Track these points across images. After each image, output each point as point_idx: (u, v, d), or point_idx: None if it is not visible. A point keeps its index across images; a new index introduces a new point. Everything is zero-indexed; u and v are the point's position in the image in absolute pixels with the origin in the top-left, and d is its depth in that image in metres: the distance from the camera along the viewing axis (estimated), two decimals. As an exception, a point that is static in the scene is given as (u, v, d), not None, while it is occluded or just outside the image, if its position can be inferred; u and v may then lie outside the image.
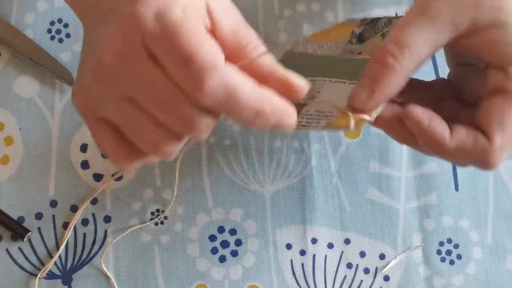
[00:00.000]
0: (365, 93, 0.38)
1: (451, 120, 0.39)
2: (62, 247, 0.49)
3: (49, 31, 0.53)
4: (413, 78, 0.41)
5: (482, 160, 0.38)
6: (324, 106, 0.41)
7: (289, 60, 0.45)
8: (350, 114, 0.39)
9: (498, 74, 0.38)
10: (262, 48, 0.35)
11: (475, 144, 0.38)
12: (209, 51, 0.32)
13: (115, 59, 0.33)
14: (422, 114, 0.37)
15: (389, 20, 0.44)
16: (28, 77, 0.52)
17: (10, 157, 0.51)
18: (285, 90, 0.35)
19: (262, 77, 0.34)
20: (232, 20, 0.35)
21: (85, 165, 0.51)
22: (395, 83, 0.37)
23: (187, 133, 0.34)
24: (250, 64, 0.34)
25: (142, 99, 0.33)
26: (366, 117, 0.38)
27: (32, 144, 0.51)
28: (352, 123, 0.38)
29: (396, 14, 0.45)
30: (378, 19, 0.44)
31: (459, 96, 0.42)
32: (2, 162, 0.51)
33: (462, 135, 0.38)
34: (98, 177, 0.51)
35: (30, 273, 0.49)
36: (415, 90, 0.42)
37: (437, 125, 0.38)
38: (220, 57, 0.32)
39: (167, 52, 0.32)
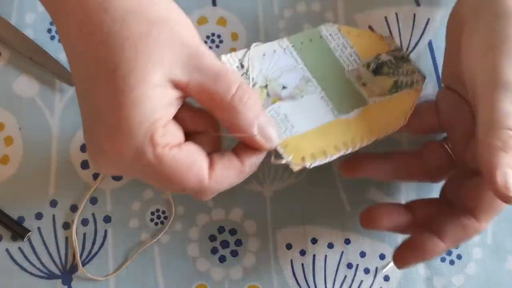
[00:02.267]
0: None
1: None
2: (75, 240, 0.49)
3: (49, 31, 0.53)
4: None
5: (474, 235, 0.42)
6: (294, 114, 0.42)
7: (310, 39, 0.44)
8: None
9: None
10: (240, 96, 0.36)
11: (465, 229, 0.42)
12: (194, 180, 0.36)
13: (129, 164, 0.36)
14: None
15: (413, 71, 0.44)
16: (28, 77, 0.52)
17: (10, 157, 0.51)
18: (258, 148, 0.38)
19: (239, 133, 0.37)
20: (199, 80, 0.36)
21: (85, 165, 0.51)
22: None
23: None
24: (227, 120, 0.37)
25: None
26: (305, 163, 0.40)
27: (32, 144, 0.51)
28: (289, 159, 0.40)
29: (421, 72, 0.45)
30: (406, 59, 0.44)
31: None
32: (2, 162, 0.51)
33: (450, 230, 0.42)
34: (98, 177, 0.51)
35: (30, 273, 0.49)
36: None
37: None
38: (205, 175, 0.37)
39: (162, 185, 0.38)
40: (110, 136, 0.35)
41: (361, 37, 0.46)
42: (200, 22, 0.54)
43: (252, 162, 0.38)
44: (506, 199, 0.36)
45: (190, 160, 0.36)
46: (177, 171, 0.36)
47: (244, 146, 0.38)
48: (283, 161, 0.39)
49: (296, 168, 0.39)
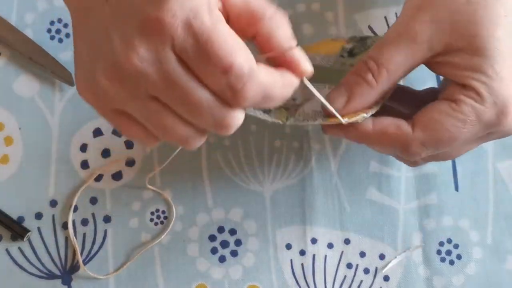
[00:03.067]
0: (340, 101, 0.40)
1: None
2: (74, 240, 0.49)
3: (49, 31, 0.53)
4: (404, 86, 0.45)
5: (402, 144, 0.40)
6: (319, 105, 0.42)
7: None
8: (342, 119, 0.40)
9: (455, 88, 0.39)
10: (277, 17, 0.35)
11: (398, 129, 0.40)
12: (245, 58, 0.32)
13: (140, 66, 0.32)
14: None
15: (378, 40, 0.45)
16: (28, 77, 0.52)
17: (10, 157, 0.51)
18: (294, 70, 0.35)
19: (277, 54, 0.35)
20: None
21: (85, 165, 0.51)
22: (370, 97, 0.40)
23: (219, 131, 0.35)
24: (266, 37, 0.35)
25: (172, 103, 0.34)
26: (362, 115, 0.40)
27: (32, 144, 0.51)
28: (346, 119, 0.40)
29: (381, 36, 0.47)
30: (366, 37, 0.46)
31: None
32: (2, 162, 0.51)
33: (386, 122, 0.41)
34: (98, 176, 0.51)
35: (30, 273, 0.49)
36: (403, 96, 0.44)
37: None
38: (253, 60, 0.33)
39: (204, 63, 0.32)
40: (151, 11, 0.31)
41: (319, 46, 0.47)
42: (200, 22, 0.54)
43: (292, 80, 0.35)
44: None
45: (239, 40, 0.33)
46: (229, 41, 0.32)
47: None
48: (344, 122, 0.40)
49: (355, 119, 0.40)
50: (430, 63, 0.40)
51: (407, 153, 0.41)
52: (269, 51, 0.35)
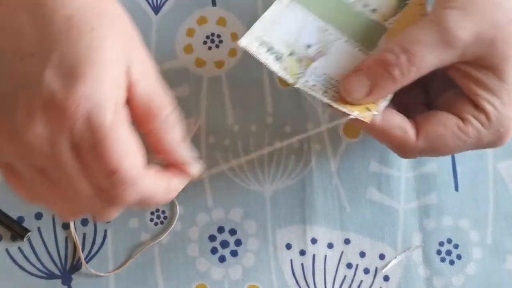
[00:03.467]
0: (361, 92, 0.39)
1: (413, 105, 0.43)
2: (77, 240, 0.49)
3: (49, 31, 0.53)
4: None
5: (402, 148, 0.40)
6: (333, 70, 0.41)
7: None
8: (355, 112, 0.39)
9: (467, 104, 0.39)
10: (172, 118, 0.36)
11: (403, 134, 0.40)
12: (132, 165, 0.33)
13: (34, 141, 0.32)
14: None
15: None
16: (28, 77, 0.52)
17: (10, 157, 0.51)
18: (183, 171, 0.37)
19: (163, 151, 0.36)
20: (148, 88, 0.35)
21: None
22: (391, 91, 0.39)
23: (94, 218, 0.38)
24: (157, 136, 0.36)
25: (55, 181, 0.34)
26: (373, 113, 0.39)
27: (32, 144, 0.51)
28: (356, 113, 0.39)
29: None
30: None
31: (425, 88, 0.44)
32: (2, 162, 0.51)
33: (394, 123, 0.40)
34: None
35: (30, 273, 0.49)
36: None
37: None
38: (141, 168, 0.34)
39: (93, 160, 0.33)
40: (58, 93, 0.32)
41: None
42: (200, 22, 0.54)
43: (178, 184, 0.37)
44: None
45: (136, 146, 0.34)
46: (122, 145, 0.33)
47: (173, 168, 0.37)
48: (354, 116, 0.39)
49: (368, 119, 0.39)
50: (453, 70, 0.40)
51: (402, 155, 0.41)
52: (158, 151, 0.36)
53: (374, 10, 0.43)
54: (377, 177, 0.51)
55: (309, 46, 0.42)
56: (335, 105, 0.40)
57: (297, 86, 0.40)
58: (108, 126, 0.32)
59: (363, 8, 0.43)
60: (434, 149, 0.40)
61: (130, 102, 0.35)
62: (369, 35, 0.42)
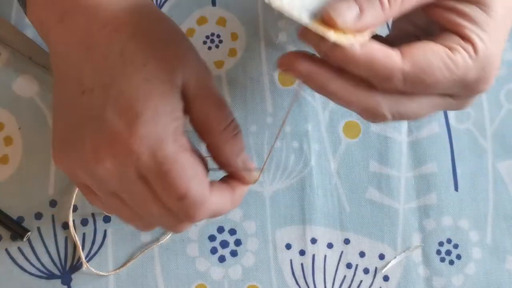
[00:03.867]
0: (349, 15, 0.35)
1: None
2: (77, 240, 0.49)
3: (49, 31, 0.53)
4: None
5: (386, 74, 0.35)
6: None
7: None
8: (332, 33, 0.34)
9: (455, 37, 0.37)
10: (231, 128, 0.38)
11: (387, 57, 0.35)
12: (199, 188, 0.35)
13: (104, 174, 0.35)
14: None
15: None
16: (28, 77, 0.52)
17: (10, 157, 0.51)
18: (243, 181, 0.40)
19: (222, 161, 0.39)
20: (204, 102, 0.37)
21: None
22: (378, 20, 0.36)
23: (170, 230, 0.42)
24: (216, 149, 0.38)
25: (128, 201, 0.37)
26: (359, 38, 0.35)
27: (32, 144, 0.51)
28: (335, 36, 0.34)
29: None
30: None
31: None
32: (2, 162, 0.51)
33: (376, 47, 0.35)
34: (97, 177, 0.51)
35: (30, 273, 0.49)
36: None
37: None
38: (207, 187, 0.36)
39: (162, 188, 0.35)
40: (122, 133, 0.34)
41: None
42: (200, 22, 0.54)
43: (241, 192, 0.39)
44: None
45: (200, 167, 0.36)
46: (186, 172, 0.35)
47: (234, 177, 0.39)
48: (332, 39, 0.33)
49: (347, 44, 0.34)
50: (435, 7, 0.38)
51: (385, 84, 0.36)
52: (217, 162, 0.39)
53: None
54: (377, 177, 0.51)
55: None
56: (313, 26, 0.34)
57: (274, 6, 0.35)
58: (171, 157, 0.34)
59: None
60: (420, 76, 0.36)
61: (189, 114, 0.37)
62: None
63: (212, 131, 0.37)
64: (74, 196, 0.50)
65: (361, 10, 0.35)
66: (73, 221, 0.50)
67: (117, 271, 0.49)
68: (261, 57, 0.53)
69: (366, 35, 0.35)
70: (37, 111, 0.52)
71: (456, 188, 0.51)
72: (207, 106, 0.37)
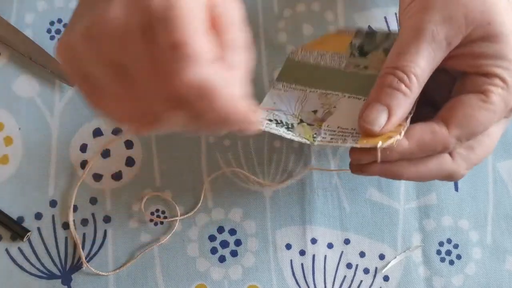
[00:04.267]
0: (382, 119, 0.39)
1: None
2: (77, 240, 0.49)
3: (49, 31, 0.53)
4: None
5: (442, 147, 0.39)
6: (345, 122, 0.42)
7: (293, 69, 0.46)
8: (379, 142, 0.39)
9: (479, 79, 0.39)
10: (239, 41, 0.34)
11: (434, 134, 0.39)
12: (200, 43, 0.31)
13: (113, 26, 0.32)
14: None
15: (387, 35, 0.45)
16: (28, 77, 0.52)
17: (10, 157, 0.51)
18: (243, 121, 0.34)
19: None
20: (223, 8, 0.34)
21: (85, 165, 0.51)
22: (406, 107, 0.39)
23: (147, 126, 0.34)
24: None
25: (125, 73, 0.33)
26: (397, 137, 0.39)
27: (32, 144, 0.51)
28: (380, 143, 0.38)
29: (390, 31, 0.47)
30: (373, 32, 0.45)
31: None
32: (2, 162, 0.51)
33: (419, 131, 0.39)
34: (98, 177, 0.51)
35: (30, 273, 0.49)
36: None
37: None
38: (208, 55, 0.32)
39: (162, 31, 0.31)
40: None
41: (325, 42, 0.47)
42: (200, 22, 0.54)
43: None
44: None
45: (208, 36, 0.32)
46: (194, 25, 0.31)
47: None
48: (380, 146, 0.38)
49: (394, 142, 0.39)
50: (449, 60, 0.40)
51: (444, 152, 0.40)
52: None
53: (366, 67, 0.44)
54: (377, 177, 0.51)
55: (315, 112, 0.43)
56: (359, 144, 0.39)
57: (316, 144, 0.41)
58: (185, 6, 0.31)
59: (355, 68, 0.45)
60: (470, 131, 0.39)
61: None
62: (369, 87, 0.42)
63: (221, 32, 0.33)
64: (74, 196, 0.50)
65: (389, 108, 0.39)
66: (73, 221, 0.50)
67: (117, 271, 0.49)
68: (261, 57, 0.53)
69: (404, 128, 0.39)
70: (37, 111, 0.52)
71: (456, 188, 0.51)
72: (225, 11, 0.34)
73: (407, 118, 0.40)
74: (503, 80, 0.39)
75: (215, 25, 0.34)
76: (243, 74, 0.34)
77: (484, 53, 0.39)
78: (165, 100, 0.33)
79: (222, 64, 0.33)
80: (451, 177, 0.42)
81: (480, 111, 0.39)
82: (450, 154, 0.41)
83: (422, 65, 0.39)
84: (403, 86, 0.39)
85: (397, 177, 0.41)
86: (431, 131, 0.39)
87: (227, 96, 0.32)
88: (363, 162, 0.40)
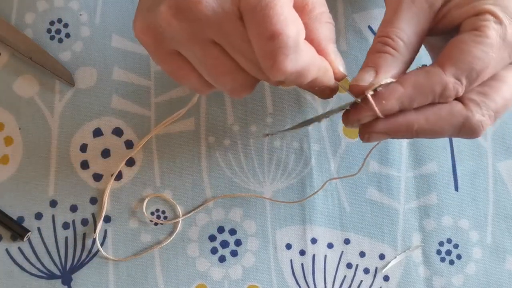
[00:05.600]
0: (369, 76, 0.38)
1: None
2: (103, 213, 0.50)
3: (49, 31, 0.53)
4: None
5: (440, 88, 0.38)
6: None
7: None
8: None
9: (471, 19, 0.38)
10: (328, 16, 0.37)
11: (428, 75, 0.38)
12: (295, 30, 0.33)
13: (207, 11, 0.34)
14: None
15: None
16: (28, 77, 0.52)
17: (10, 157, 0.51)
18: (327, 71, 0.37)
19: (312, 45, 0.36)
20: None
21: (85, 165, 0.51)
22: (395, 67, 0.38)
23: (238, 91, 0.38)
24: (308, 27, 0.36)
25: (226, 47, 0.35)
26: (384, 79, 0.38)
27: (32, 144, 0.51)
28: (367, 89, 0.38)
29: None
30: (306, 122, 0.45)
31: None
32: (2, 162, 0.51)
33: (413, 75, 0.38)
34: (98, 177, 0.51)
35: (30, 273, 0.49)
36: None
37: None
38: (302, 36, 0.34)
39: (256, 23, 0.33)
40: None
41: None
42: (200, 22, 0.54)
43: (329, 69, 0.37)
44: None
45: (296, 16, 0.34)
46: (287, 13, 0.33)
47: None
48: (370, 91, 0.38)
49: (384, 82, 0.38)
50: (437, 22, 0.39)
51: (446, 96, 0.38)
52: (306, 40, 0.36)
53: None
54: (377, 177, 0.51)
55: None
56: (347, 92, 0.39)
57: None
58: None
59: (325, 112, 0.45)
60: (467, 68, 0.37)
61: None
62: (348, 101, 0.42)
63: (309, 12, 0.36)
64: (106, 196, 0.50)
65: (376, 67, 0.38)
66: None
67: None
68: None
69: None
70: (37, 111, 0.52)
71: (456, 188, 0.51)
72: None
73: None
74: (495, 15, 0.38)
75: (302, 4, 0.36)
76: (333, 45, 0.37)
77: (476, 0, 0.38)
78: (264, 77, 0.36)
79: (308, 34, 0.36)
80: (468, 126, 0.39)
81: (475, 45, 0.37)
82: (462, 102, 0.39)
83: (405, 29, 0.39)
84: (389, 48, 0.38)
85: (407, 129, 0.39)
86: (425, 72, 0.38)
87: (321, 70, 0.36)
88: (365, 121, 0.39)
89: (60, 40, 0.53)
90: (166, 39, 0.36)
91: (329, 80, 0.38)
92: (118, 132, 0.51)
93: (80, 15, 0.53)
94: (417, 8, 0.39)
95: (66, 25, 0.53)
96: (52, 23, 0.53)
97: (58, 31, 0.53)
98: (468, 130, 0.39)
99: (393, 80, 0.38)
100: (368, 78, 0.38)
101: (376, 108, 0.37)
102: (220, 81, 0.37)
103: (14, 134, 0.51)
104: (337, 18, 0.54)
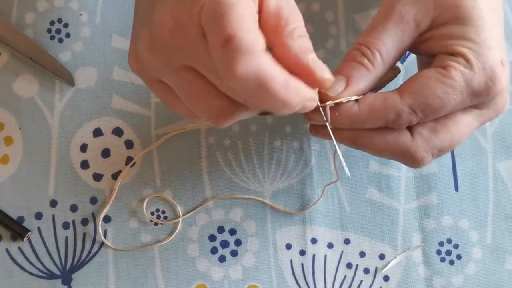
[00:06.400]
0: (339, 86, 0.39)
1: None
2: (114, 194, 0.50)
3: (49, 31, 0.53)
4: None
5: (394, 115, 0.39)
6: None
7: None
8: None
9: (443, 56, 0.39)
10: (301, 30, 0.36)
11: (385, 101, 0.39)
12: (249, 36, 0.32)
13: (172, 34, 0.34)
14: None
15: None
16: (28, 77, 0.52)
17: (10, 157, 0.51)
18: (309, 80, 0.36)
19: (289, 64, 0.35)
20: (278, 2, 0.36)
21: (85, 165, 0.51)
22: (367, 81, 0.39)
23: (219, 118, 0.36)
24: (284, 45, 0.35)
25: (200, 69, 0.35)
26: (343, 97, 0.39)
27: (32, 144, 0.51)
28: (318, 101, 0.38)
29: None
30: None
31: None
32: (2, 162, 0.51)
33: (371, 98, 0.39)
34: (98, 177, 0.51)
35: (30, 273, 0.49)
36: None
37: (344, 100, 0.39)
38: (259, 45, 0.33)
39: (212, 32, 0.33)
40: None
41: None
42: (200, 22, 0.54)
43: (303, 88, 0.35)
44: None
45: (257, 30, 0.33)
46: (241, 19, 0.32)
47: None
48: (328, 104, 0.39)
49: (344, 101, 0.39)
50: (418, 43, 0.40)
51: (399, 123, 0.39)
52: (283, 60, 0.34)
53: None
54: (377, 177, 0.51)
55: None
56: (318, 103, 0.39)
57: None
58: (232, 2, 0.32)
59: None
60: (424, 102, 0.38)
61: (261, 14, 0.35)
62: None
63: (282, 30, 0.35)
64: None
65: (348, 78, 0.39)
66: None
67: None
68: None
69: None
70: (37, 111, 0.52)
71: (456, 188, 0.51)
72: (281, 6, 0.35)
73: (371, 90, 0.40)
74: (467, 59, 0.38)
75: (274, 18, 0.35)
76: (310, 55, 0.35)
77: (451, 34, 0.39)
78: (232, 93, 0.35)
79: (283, 52, 0.35)
80: (409, 157, 0.40)
81: (436, 83, 0.38)
82: (411, 132, 0.40)
83: (387, 43, 0.39)
84: (365, 60, 0.39)
85: (351, 142, 0.41)
86: (383, 97, 0.39)
87: (284, 84, 0.33)
88: (315, 123, 0.41)
89: (60, 40, 0.53)
90: (147, 70, 0.37)
91: (312, 107, 0.37)
92: (118, 132, 0.51)
93: (80, 15, 0.53)
94: (404, 25, 0.40)
95: (66, 25, 0.53)
96: (52, 23, 0.53)
97: (58, 31, 0.53)
98: (409, 161, 0.41)
99: (357, 97, 0.39)
100: (338, 89, 0.39)
101: (326, 122, 0.39)
102: (197, 107, 0.36)
103: (14, 134, 0.51)
104: (337, 18, 0.54)
